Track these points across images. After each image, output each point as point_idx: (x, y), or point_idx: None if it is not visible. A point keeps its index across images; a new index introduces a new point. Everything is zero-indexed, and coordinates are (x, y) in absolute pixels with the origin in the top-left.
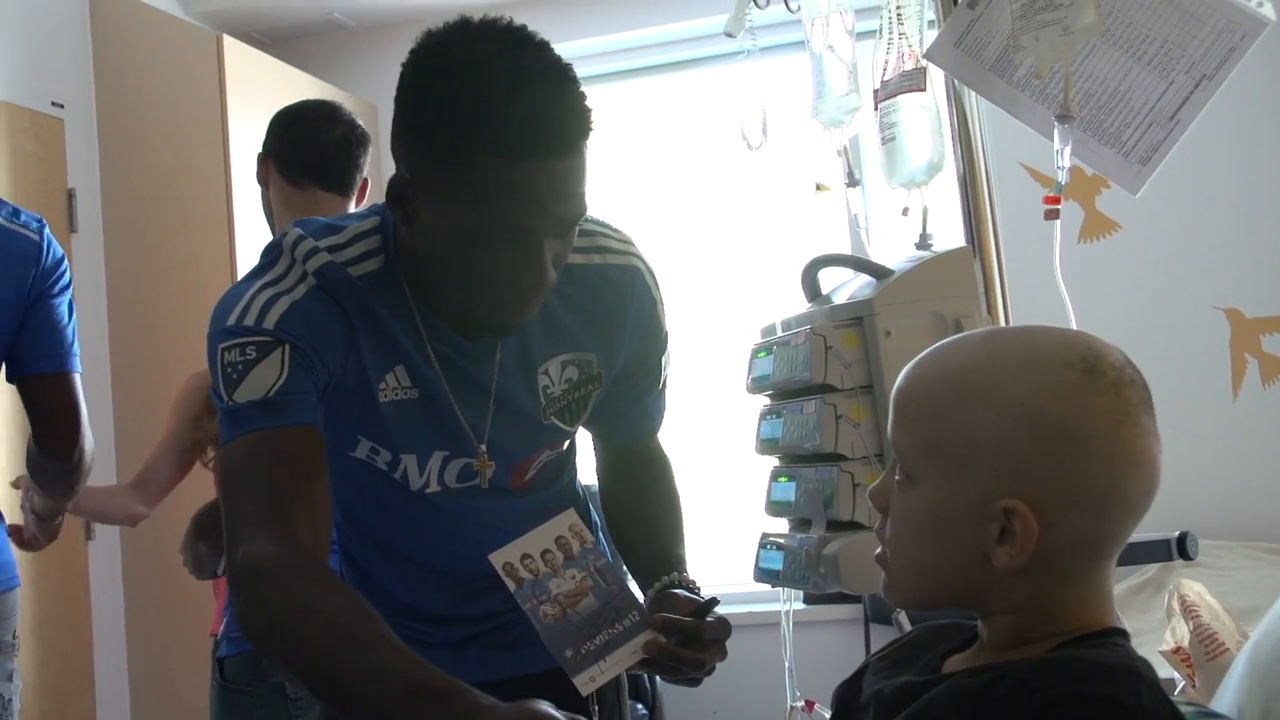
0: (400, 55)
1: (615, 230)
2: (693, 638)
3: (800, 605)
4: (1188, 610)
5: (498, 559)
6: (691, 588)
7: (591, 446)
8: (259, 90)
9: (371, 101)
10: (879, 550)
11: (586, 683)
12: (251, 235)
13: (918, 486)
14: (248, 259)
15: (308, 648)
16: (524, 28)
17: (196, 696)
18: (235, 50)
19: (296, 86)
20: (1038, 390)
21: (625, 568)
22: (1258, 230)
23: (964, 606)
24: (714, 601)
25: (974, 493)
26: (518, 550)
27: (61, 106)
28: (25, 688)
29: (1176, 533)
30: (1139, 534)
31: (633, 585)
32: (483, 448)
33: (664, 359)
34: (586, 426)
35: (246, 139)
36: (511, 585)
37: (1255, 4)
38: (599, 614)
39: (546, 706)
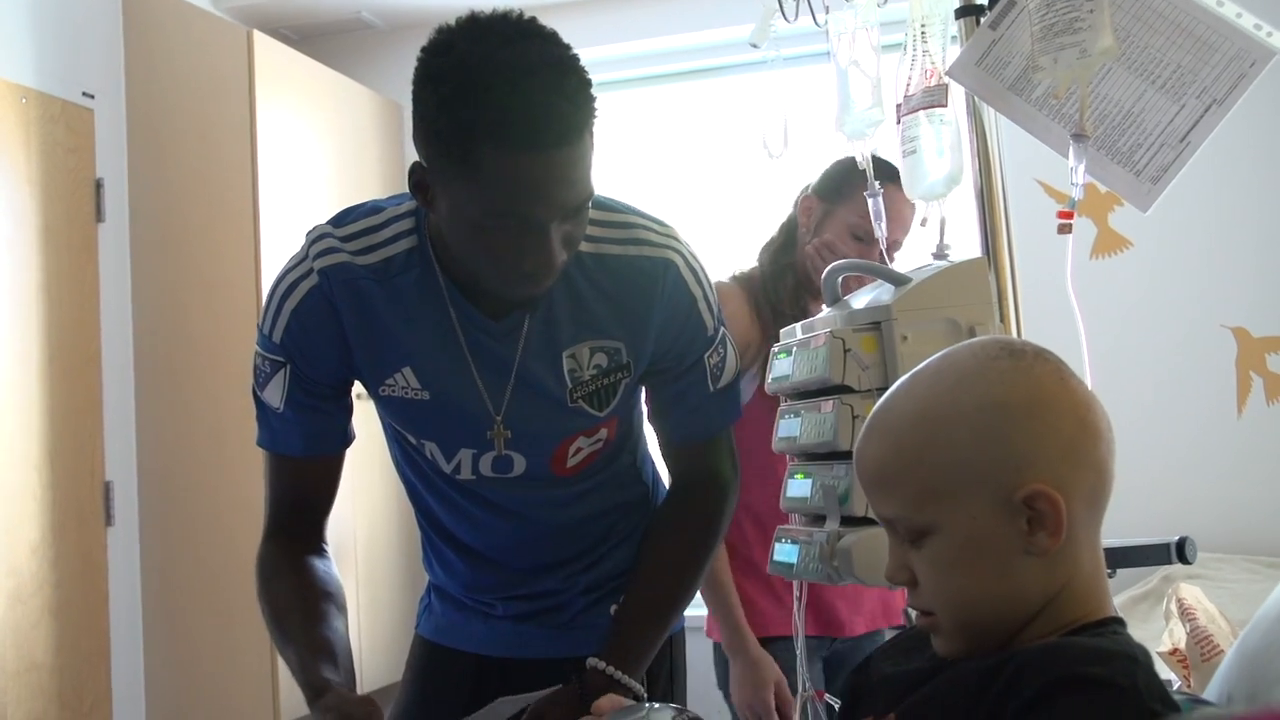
0: None
1: (658, 224)
2: None
3: None
4: (1185, 613)
5: None
6: (615, 680)
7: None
8: (287, 86)
9: (396, 100)
10: (922, 618)
11: None
12: (277, 229)
13: (936, 536)
14: (272, 252)
15: (268, 626)
16: (529, 21)
17: (211, 681)
18: (265, 46)
19: (323, 83)
20: (987, 388)
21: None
22: (1267, 251)
23: (1017, 622)
24: None
25: (991, 504)
26: None
27: (92, 97)
28: (42, 669)
29: (1176, 537)
30: (1141, 539)
31: None
32: (498, 418)
33: (709, 356)
34: (649, 421)
35: (274, 133)
36: None
37: (1265, 34)
38: None
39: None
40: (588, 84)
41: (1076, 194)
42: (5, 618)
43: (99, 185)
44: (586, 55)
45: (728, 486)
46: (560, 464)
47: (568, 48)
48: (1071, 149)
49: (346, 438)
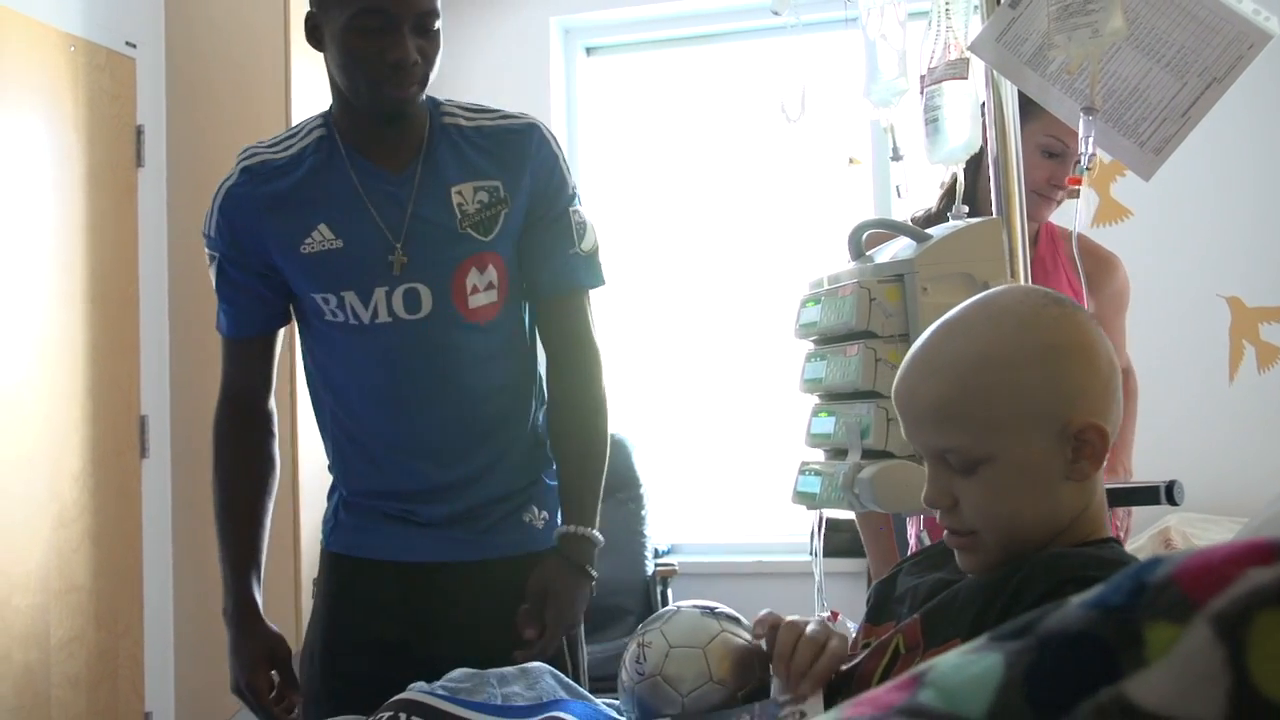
0: (461, 9)
1: (522, 114)
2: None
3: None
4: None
5: None
6: (584, 536)
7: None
8: None
9: None
10: (959, 538)
11: None
12: None
13: (992, 464)
14: None
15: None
16: None
17: None
18: None
19: None
20: (1044, 332)
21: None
22: (1261, 223)
23: (1048, 539)
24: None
25: (1048, 434)
26: None
27: (134, 46)
28: (82, 591)
29: (1165, 481)
30: (1132, 481)
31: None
32: (398, 245)
33: (572, 212)
34: (524, 277)
35: (308, 84)
36: None
37: (1263, 18)
38: None
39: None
40: None
41: (1085, 162)
42: (49, 540)
43: (139, 132)
44: (607, 17)
45: (594, 346)
46: (461, 299)
47: None
48: (1081, 121)
49: (270, 323)
